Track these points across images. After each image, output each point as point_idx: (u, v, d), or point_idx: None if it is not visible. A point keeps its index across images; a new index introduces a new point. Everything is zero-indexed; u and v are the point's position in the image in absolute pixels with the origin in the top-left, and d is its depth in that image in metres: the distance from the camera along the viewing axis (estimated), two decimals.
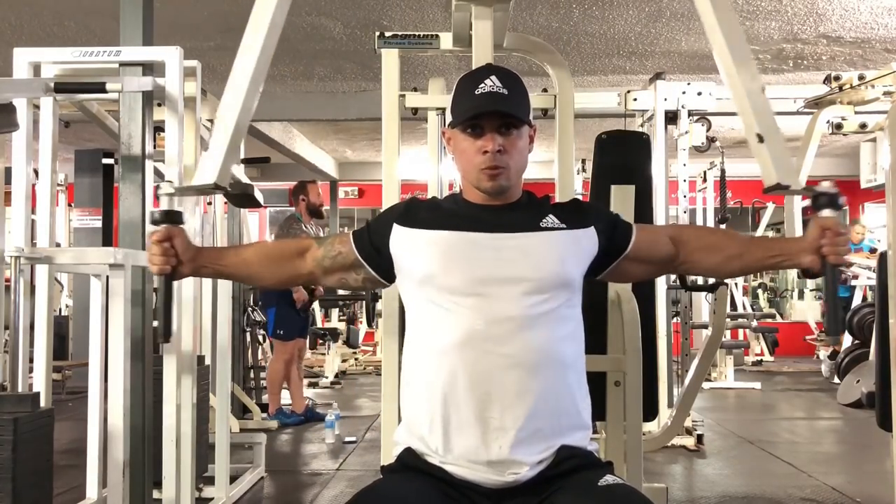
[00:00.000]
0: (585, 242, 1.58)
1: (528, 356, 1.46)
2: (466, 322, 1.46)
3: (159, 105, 2.88)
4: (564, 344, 1.52)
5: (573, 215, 1.60)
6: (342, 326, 9.17)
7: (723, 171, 6.81)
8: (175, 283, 1.72)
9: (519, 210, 1.59)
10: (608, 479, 1.43)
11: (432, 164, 3.42)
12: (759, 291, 11.81)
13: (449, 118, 1.62)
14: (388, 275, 1.63)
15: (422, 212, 1.61)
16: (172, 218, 1.61)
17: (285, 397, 5.86)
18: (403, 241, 1.57)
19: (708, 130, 5.20)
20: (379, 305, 7.21)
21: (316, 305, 9.79)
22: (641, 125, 5.33)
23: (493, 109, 1.51)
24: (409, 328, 1.59)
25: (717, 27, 1.61)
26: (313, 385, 7.86)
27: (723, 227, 8.73)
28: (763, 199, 9.84)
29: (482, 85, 1.53)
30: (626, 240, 1.61)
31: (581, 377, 1.56)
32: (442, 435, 1.47)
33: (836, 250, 1.48)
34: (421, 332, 1.55)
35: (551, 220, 1.57)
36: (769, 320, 10.19)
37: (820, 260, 1.49)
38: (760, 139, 1.57)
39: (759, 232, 9.98)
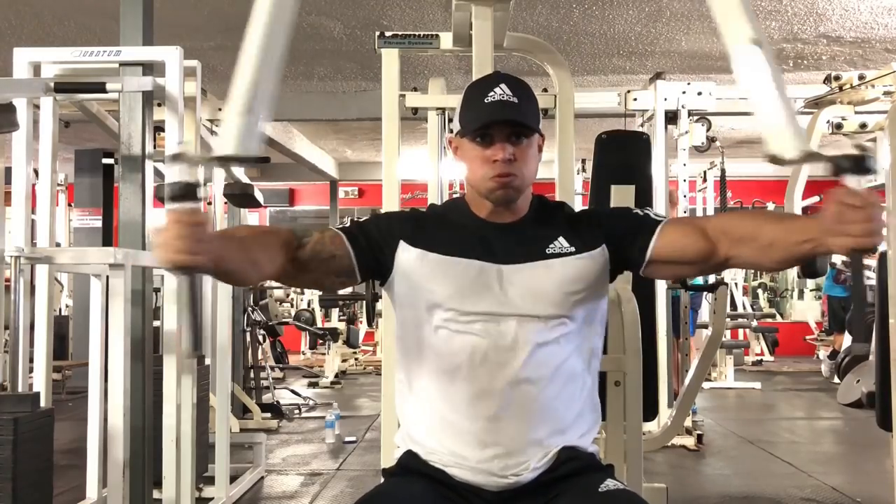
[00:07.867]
0: (596, 264, 1.51)
1: (532, 373, 1.44)
2: (471, 342, 1.45)
3: (159, 105, 2.89)
4: (572, 359, 1.49)
5: (585, 234, 1.52)
6: (342, 326, 9.17)
7: (723, 171, 6.81)
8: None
9: (527, 230, 1.53)
10: (609, 483, 1.42)
11: (432, 164, 3.43)
12: (759, 291, 11.79)
13: (454, 124, 1.56)
14: (369, 276, 1.55)
15: (429, 228, 1.54)
16: (194, 192, 1.19)
17: None
18: (413, 263, 1.50)
19: (708, 130, 5.20)
20: (379, 305, 7.21)
21: (316, 305, 9.81)
22: (641, 125, 5.32)
23: (503, 119, 1.47)
24: (407, 341, 1.55)
25: None
26: (313, 385, 7.86)
27: None
28: (763, 198, 9.84)
29: (491, 93, 1.48)
30: (641, 255, 1.51)
31: (590, 387, 1.54)
32: (443, 446, 1.46)
33: (858, 229, 1.18)
34: (421, 346, 1.51)
35: (560, 244, 1.50)
36: (769, 320, 10.18)
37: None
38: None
39: None
